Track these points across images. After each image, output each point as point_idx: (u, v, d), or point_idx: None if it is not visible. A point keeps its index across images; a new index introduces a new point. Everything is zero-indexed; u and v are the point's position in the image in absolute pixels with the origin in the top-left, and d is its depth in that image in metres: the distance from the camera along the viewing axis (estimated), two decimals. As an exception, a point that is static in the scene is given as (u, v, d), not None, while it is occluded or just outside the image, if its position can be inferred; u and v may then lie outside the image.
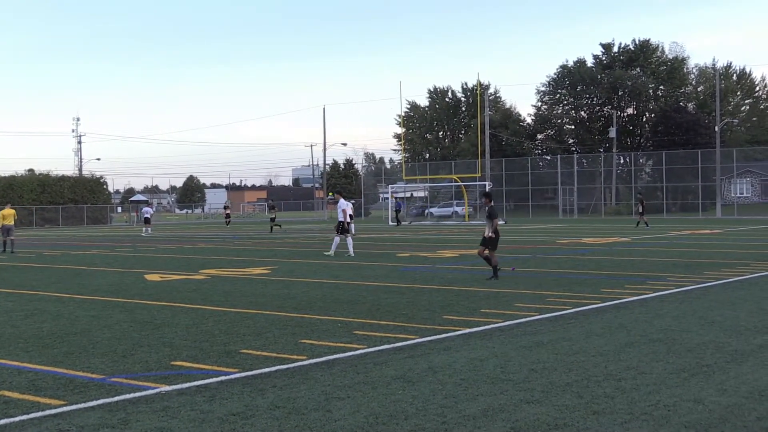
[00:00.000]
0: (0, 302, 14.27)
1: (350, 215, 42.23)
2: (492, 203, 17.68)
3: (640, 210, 46.27)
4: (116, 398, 7.02)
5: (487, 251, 16.92)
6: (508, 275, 17.44)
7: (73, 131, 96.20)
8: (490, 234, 16.91)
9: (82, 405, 6.82)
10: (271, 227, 48.21)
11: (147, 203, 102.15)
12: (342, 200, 25.72)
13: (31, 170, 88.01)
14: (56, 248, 33.34)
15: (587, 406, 6.58)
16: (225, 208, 66.14)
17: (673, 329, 10.16)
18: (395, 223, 58.42)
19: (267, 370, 8.06)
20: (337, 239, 25.13)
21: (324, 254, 24.87)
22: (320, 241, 35.66)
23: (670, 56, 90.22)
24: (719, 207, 65.18)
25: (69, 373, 8.06)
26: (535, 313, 11.56)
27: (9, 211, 30.99)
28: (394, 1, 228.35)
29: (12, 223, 30.98)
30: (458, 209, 72.92)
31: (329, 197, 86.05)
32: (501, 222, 39.58)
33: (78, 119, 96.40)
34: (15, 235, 31.41)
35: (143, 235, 46.67)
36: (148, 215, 51.63)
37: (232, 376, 7.80)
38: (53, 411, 6.66)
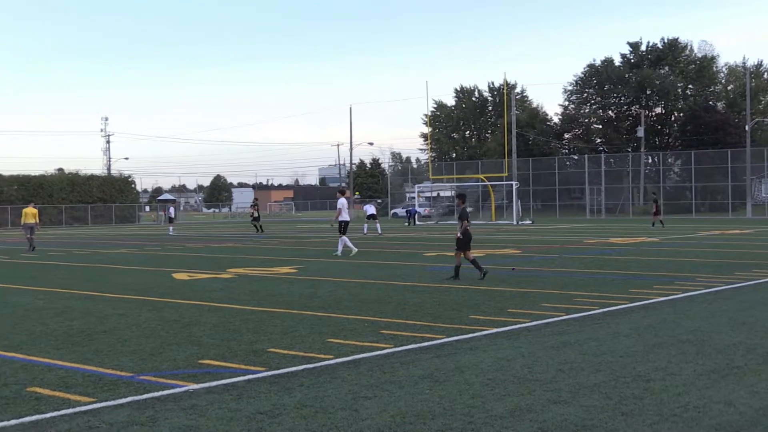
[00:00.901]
0: (31, 300, 14.42)
1: (373, 214, 42.51)
2: (465, 204, 17.63)
3: (654, 210, 46.27)
4: (145, 396, 7.07)
5: (462, 254, 16.96)
6: (509, 275, 17.37)
7: (101, 131, 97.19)
8: (458, 235, 16.99)
9: (111, 402, 6.88)
10: (258, 227, 46.74)
11: (173, 202, 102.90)
12: (342, 198, 25.53)
13: (60, 169, 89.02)
14: (85, 247, 33.62)
15: (615, 407, 6.54)
16: (253, 206, 66.39)
17: (702, 330, 10.07)
18: (408, 224, 58.04)
19: (294, 369, 8.08)
20: (343, 238, 24.99)
21: (332, 254, 24.79)
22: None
23: (699, 55, 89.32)
24: (749, 207, 64.51)
25: (98, 371, 8.13)
26: (563, 313, 11.51)
27: (31, 210, 31.40)
28: (421, 1, 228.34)
29: (34, 221, 31.31)
30: (420, 210, 73.52)
31: (356, 197, 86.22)
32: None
33: (106, 119, 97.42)
34: (36, 234, 31.68)
35: (171, 234, 47.06)
36: (171, 215, 52.42)
37: (260, 375, 7.82)
38: (83, 408, 6.72)
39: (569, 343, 9.30)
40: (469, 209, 17.36)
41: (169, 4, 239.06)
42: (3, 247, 32.38)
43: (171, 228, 50.61)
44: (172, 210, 54.51)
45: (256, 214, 47.76)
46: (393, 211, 40.41)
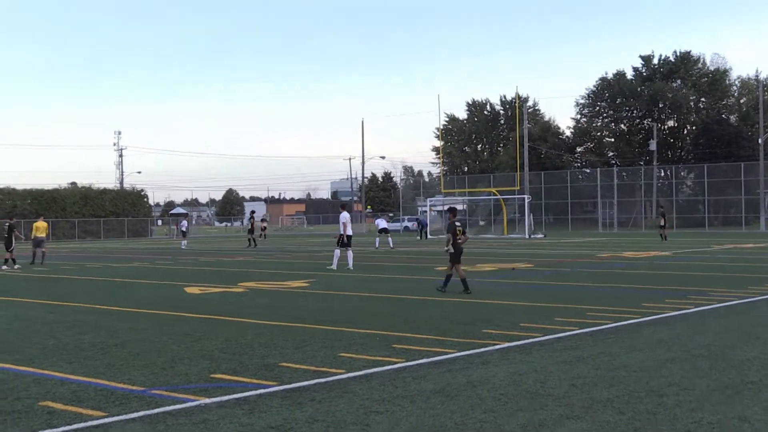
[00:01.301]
0: (43, 314, 14.45)
1: (385, 228, 42.44)
2: (454, 219, 17.63)
3: (662, 223, 46.28)
4: (156, 410, 7.07)
5: (454, 267, 17.09)
6: (518, 288, 17.31)
7: (114, 144, 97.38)
8: (448, 249, 17.15)
9: (123, 417, 6.88)
10: (252, 240, 46.59)
11: (186, 216, 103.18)
12: (344, 213, 25.44)
13: (73, 183, 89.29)
14: (98, 261, 33.72)
15: (629, 422, 6.49)
16: (262, 221, 66.64)
17: (716, 345, 10.01)
18: (419, 238, 58.41)
19: (306, 383, 8.06)
20: (337, 252, 24.93)
21: (327, 268, 24.73)
22: (359, 254, 35.72)
23: (712, 68, 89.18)
24: (763, 221, 64.22)
25: (110, 385, 8.14)
26: (575, 328, 11.46)
27: (41, 224, 31.89)
28: (433, 14, 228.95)
29: (44, 235, 31.77)
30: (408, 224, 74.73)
31: (368, 210, 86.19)
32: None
33: (119, 133, 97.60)
34: (45, 247, 32.12)
35: (183, 248, 47.14)
36: (184, 228, 52.69)
37: (271, 389, 7.81)
38: (95, 422, 6.72)
39: (582, 357, 9.26)
40: (458, 223, 17.44)
41: (181, 19, 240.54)
42: (17, 260, 32.53)
43: (184, 242, 50.72)
44: (185, 223, 54.72)
45: (250, 227, 47.94)
46: (381, 225, 40.21)
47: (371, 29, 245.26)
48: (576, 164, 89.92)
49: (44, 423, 6.72)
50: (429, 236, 59.50)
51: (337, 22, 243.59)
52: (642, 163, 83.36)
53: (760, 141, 65.76)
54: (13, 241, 29.57)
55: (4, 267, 28.38)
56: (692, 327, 11.57)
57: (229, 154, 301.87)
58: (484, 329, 11.47)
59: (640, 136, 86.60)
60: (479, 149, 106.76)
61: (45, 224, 32.30)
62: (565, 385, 7.80)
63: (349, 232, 24.93)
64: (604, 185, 75.43)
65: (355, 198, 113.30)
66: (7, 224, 30.41)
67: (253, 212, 54.39)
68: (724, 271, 21.95)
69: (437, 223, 73.52)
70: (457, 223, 17.43)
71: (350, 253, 24.90)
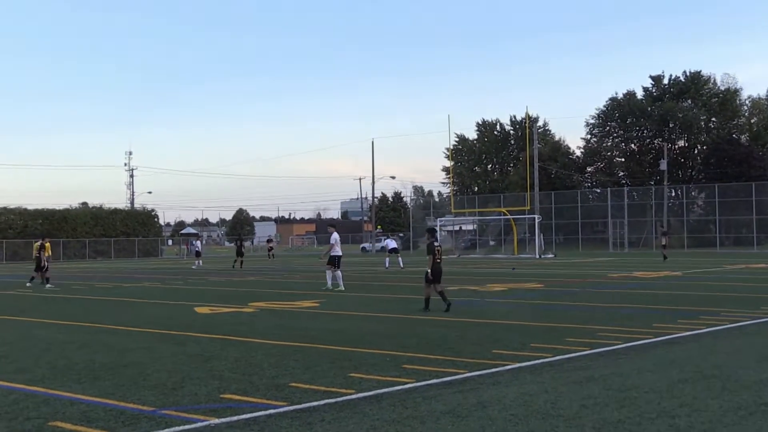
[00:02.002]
0: (53, 334, 14.48)
1: (395, 248, 42.38)
2: (432, 239, 17.98)
3: (663, 243, 46.28)
4: (166, 430, 7.05)
5: (431, 286, 17.51)
6: (531, 308, 17.24)
7: (125, 165, 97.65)
8: (428, 270, 17.59)
9: (133, 437, 6.86)
10: (237, 262, 46.27)
11: (197, 237, 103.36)
12: (335, 233, 25.18)
13: (84, 203, 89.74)
14: (108, 280, 33.79)
15: (640, 443, 6.44)
16: (268, 241, 66.87)
17: (728, 365, 9.94)
18: None
19: (316, 403, 8.04)
20: (329, 272, 24.78)
21: (322, 289, 24.60)
22: (369, 273, 35.70)
23: (722, 88, 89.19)
24: (774, 240, 63.97)
25: (120, 405, 8.13)
26: (586, 348, 11.40)
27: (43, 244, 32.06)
28: (443, 34, 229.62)
29: (48, 255, 31.78)
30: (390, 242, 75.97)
31: (378, 230, 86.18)
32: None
33: (130, 153, 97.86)
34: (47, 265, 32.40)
35: (193, 267, 47.22)
36: (198, 248, 53.03)
37: (281, 410, 7.79)
38: (104, 442, 6.70)
39: (593, 378, 9.21)
40: (436, 243, 17.92)
41: (193, 40, 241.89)
42: (27, 280, 32.68)
43: (198, 261, 51.04)
44: (198, 244, 55.43)
45: (243, 250, 47.81)
46: (390, 246, 40.15)
47: (381, 49, 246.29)
48: (586, 184, 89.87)
49: (54, 443, 6.71)
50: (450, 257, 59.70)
51: (347, 42, 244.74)
52: (652, 183, 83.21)
53: (771, 161, 65.54)
54: (44, 261, 30.04)
55: (48, 285, 28.96)
56: (704, 347, 11.51)
57: (240, 174, 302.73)
58: (494, 349, 11.43)
59: (651, 156, 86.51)
60: (489, 169, 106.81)
61: (47, 245, 32.34)
62: (576, 406, 7.76)
63: (339, 252, 24.79)
64: (615, 205, 75.32)
65: (366, 218, 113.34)
66: (38, 243, 30.97)
67: (240, 237, 54.38)
68: (736, 292, 21.84)
69: (447, 242, 73.45)
70: (436, 243, 17.66)
71: (339, 274, 24.80)
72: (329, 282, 24.64)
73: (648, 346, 11.74)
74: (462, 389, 8.68)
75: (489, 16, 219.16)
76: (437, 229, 22.19)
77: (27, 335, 14.36)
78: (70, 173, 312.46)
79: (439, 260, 17.65)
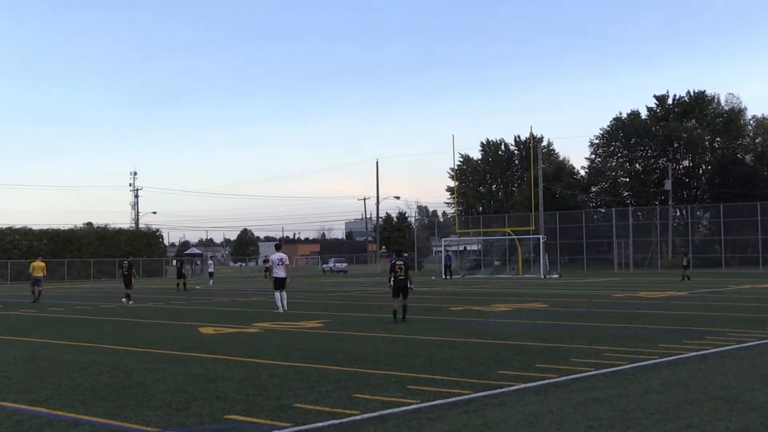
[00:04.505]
0: (58, 354, 14.46)
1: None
2: (390, 259, 20.84)
3: (685, 263, 46.56)
4: (170, 452, 7.03)
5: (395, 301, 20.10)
6: (534, 328, 17.20)
7: (130, 185, 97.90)
8: (390, 283, 20.43)
9: (137, 458, 6.84)
10: (182, 284, 44.13)
11: (201, 256, 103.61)
12: (276, 254, 24.67)
13: (89, 223, 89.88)
14: (113, 300, 33.78)
15: (647, 465, 6.41)
16: (265, 261, 67.24)
17: (735, 387, 9.89)
18: (446, 277, 58.82)
19: (320, 424, 8.01)
20: (277, 294, 24.46)
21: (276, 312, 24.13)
22: (373, 294, 35.66)
23: (726, 108, 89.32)
24: (780, 260, 63.80)
25: (124, 426, 8.11)
26: (591, 369, 11.36)
27: (39, 264, 34.34)
28: (445, 55, 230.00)
29: (41, 275, 34.02)
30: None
31: (383, 251, 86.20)
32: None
33: (135, 173, 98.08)
34: (42, 286, 34.25)
35: (209, 286, 47.98)
36: (211, 269, 54.69)
37: (286, 431, 7.76)
38: (108, 464, 6.68)
39: (598, 399, 9.17)
40: (400, 261, 20.38)
41: (196, 60, 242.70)
42: (32, 300, 32.72)
43: (211, 282, 52.40)
44: (211, 264, 57.12)
45: (184, 271, 46.35)
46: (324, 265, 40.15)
47: (384, 69, 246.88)
48: (591, 204, 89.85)
49: (57, 464, 6.69)
50: (455, 276, 59.90)
51: (351, 63, 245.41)
52: (657, 202, 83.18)
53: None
54: (132, 279, 32.16)
55: (126, 301, 30.80)
56: (710, 368, 11.46)
57: (244, 194, 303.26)
58: (499, 370, 11.39)
59: (655, 176, 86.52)
60: (494, 189, 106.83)
61: (43, 264, 34.54)
62: (582, 427, 7.72)
63: (280, 274, 24.21)
64: (620, 225, 75.25)
65: (370, 238, 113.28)
66: (126, 262, 32.73)
67: (180, 258, 53.91)
68: (742, 312, 21.76)
69: (452, 263, 73.45)
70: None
71: (283, 295, 24.42)
72: (278, 304, 24.31)
73: (654, 366, 11.69)
74: (467, 410, 8.65)
75: (492, 36, 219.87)
76: (401, 249, 23.23)
77: (31, 356, 14.35)
78: (75, 193, 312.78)
79: (401, 277, 20.07)
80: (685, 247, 62.61)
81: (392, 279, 20.19)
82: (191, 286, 51.07)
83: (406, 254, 20.15)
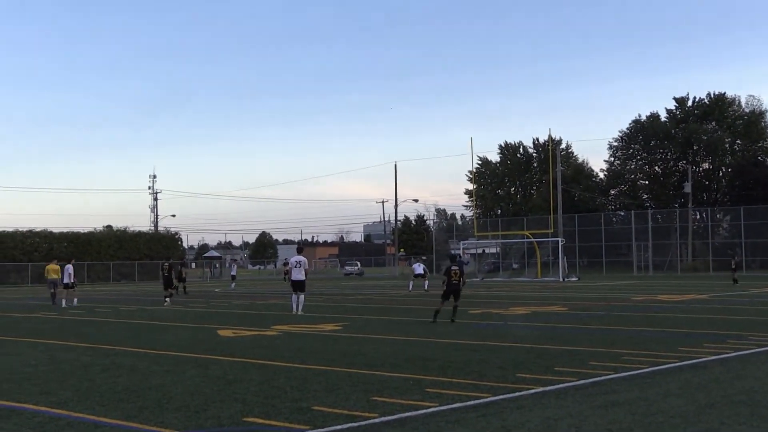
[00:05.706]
0: (78, 356, 14.53)
1: (422, 273, 42.29)
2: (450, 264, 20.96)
3: (733, 266, 45.93)
4: (189, 454, 7.04)
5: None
6: (551, 331, 17.12)
7: (149, 188, 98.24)
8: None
9: (156, 460, 6.86)
10: (182, 288, 41.36)
11: (220, 259, 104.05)
12: (296, 256, 24.46)
13: (108, 226, 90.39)
14: (132, 303, 33.94)
15: (667, 469, 6.36)
16: (284, 264, 67.39)
17: (756, 390, 9.82)
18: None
19: (338, 427, 8.00)
20: (293, 296, 24.36)
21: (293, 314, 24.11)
22: (392, 297, 35.65)
23: (747, 110, 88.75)
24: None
25: (143, 428, 8.13)
26: (611, 372, 11.30)
27: (53, 267, 34.91)
28: (464, 57, 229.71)
29: (57, 277, 34.26)
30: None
31: (401, 253, 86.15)
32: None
33: (154, 176, 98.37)
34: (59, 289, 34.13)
35: (216, 290, 47.89)
36: (233, 272, 55.26)
37: (304, 433, 7.76)
38: (127, 466, 6.70)
39: (618, 402, 9.12)
40: (455, 267, 20.62)
41: (214, 64, 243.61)
42: (50, 302, 32.93)
43: (233, 284, 53.00)
44: (234, 267, 57.66)
45: (184, 275, 43.86)
46: (417, 271, 39.69)
47: (403, 72, 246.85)
48: (610, 207, 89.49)
49: (77, 466, 6.72)
50: (474, 279, 59.87)
51: (370, 65, 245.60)
52: (677, 205, 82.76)
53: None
54: (173, 280, 33.64)
55: (169, 300, 31.79)
56: (731, 372, 11.37)
57: (263, 197, 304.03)
58: (518, 373, 11.35)
59: (675, 179, 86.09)
60: (512, 192, 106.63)
61: (57, 267, 34.86)
62: (601, 431, 7.68)
63: (298, 277, 24.02)
64: (639, 228, 74.90)
65: (389, 241, 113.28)
66: (167, 264, 33.69)
67: (179, 262, 50.00)
68: (763, 315, 21.59)
69: (470, 266, 73.33)
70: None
71: (301, 298, 24.27)
72: (295, 308, 24.19)
73: (673, 370, 11.62)
74: (485, 413, 8.62)
75: (511, 39, 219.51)
76: (457, 254, 23.49)
77: (51, 358, 14.43)
78: (95, 196, 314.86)
79: (455, 281, 20.30)
80: (733, 249, 61.92)
81: (446, 282, 20.56)
82: (210, 288, 51.20)
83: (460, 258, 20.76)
